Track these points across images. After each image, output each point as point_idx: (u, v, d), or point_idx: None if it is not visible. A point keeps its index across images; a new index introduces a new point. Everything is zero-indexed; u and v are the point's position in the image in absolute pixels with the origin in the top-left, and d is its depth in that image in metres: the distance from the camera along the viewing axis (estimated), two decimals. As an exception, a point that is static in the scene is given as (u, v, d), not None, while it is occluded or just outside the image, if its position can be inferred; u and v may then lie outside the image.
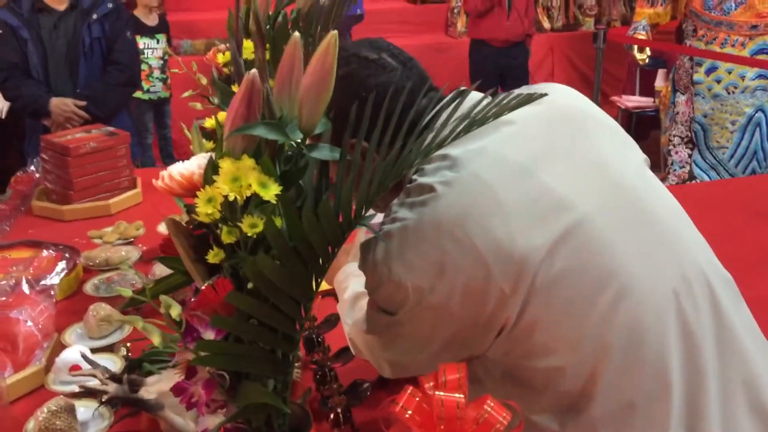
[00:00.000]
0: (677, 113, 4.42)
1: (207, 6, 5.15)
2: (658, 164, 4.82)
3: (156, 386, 1.20)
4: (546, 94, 0.84)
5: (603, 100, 4.86)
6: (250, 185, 0.67)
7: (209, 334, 0.75)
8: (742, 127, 4.21)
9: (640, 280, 0.84)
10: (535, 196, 0.84)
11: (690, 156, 4.38)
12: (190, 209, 0.75)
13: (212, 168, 0.70)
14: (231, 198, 0.66)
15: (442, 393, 0.65)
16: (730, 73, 4.18)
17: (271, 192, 0.67)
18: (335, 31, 0.67)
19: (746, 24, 4.11)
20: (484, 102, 0.80)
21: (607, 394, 0.83)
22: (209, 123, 0.80)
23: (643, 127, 5.02)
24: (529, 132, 0.88)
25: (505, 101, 0.74)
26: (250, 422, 0.83)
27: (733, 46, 4.15)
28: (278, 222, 0.69)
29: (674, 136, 4.44)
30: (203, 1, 5.24)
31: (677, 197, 0.98)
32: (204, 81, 1.40)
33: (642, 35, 4.41)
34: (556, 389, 0.85)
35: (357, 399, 1.22)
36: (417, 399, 0.67)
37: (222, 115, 0.79)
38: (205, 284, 0.72)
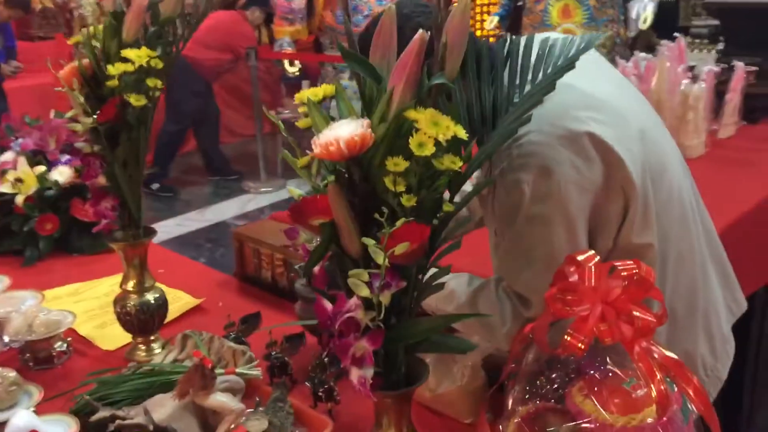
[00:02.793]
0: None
1: None
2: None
3: (159, 413, 1.13)
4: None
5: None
6: (449, 126, 0.77)
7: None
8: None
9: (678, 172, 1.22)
10: (615, 103, 1.13)
11: (350, 152, 4.93)
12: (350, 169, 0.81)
13: (397, 122, 0.78)
14: (441, 139, 0.76)
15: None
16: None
17: (462, 131, 0.78)
18: (469, -5, 0.81)
19: (374, 33, 4.79)
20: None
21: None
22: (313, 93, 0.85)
23: (297, 135, 5.45)
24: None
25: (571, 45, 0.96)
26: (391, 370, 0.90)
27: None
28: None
29: (333, 137, 4.95)
30: None
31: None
32: (81, 99, 1.29)
33: (289, 51, 4.83)
34: None
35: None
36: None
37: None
38: (402, 222, 0.78)
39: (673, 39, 5.11)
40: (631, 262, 0.87)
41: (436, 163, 0.78)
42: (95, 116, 1.30)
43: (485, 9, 5.82)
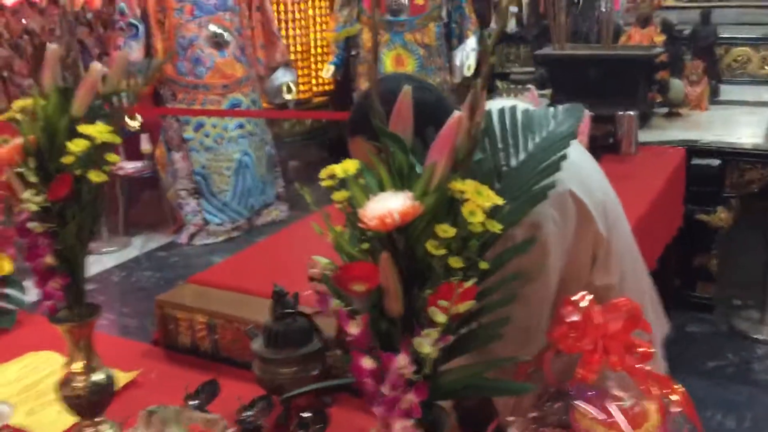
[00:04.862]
0: (177, 169, 4.82)
1: None
2: (166, 221, 5.15)
3: None
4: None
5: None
6: (489, 195, 0.87)
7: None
8: (235, 171, 4.88)
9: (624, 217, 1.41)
10: (578, 161, 1.28)
11: (199, 204, 4.85)
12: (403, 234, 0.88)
13: (440, 192, 0.87)
14: (486, 207, 0.86)
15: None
16: (215, 127, 4.79)
17: (499, 199, 0.89)
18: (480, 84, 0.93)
19: (219, 84, 4.77)
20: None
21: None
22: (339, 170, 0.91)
23: (137, 190, 5.26)
24: None
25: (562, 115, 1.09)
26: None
27: (211, 104, 4.77)
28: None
29: (181, 190, 4.83)
30: None
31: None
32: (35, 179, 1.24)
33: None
34: None
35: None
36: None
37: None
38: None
39: (492, 85, 5.54)
40: (624, 299, 1.02)
41: (478, 227, 0.88)
42: (45, 194, 1.25)
43: (319, 59, 6.02)
